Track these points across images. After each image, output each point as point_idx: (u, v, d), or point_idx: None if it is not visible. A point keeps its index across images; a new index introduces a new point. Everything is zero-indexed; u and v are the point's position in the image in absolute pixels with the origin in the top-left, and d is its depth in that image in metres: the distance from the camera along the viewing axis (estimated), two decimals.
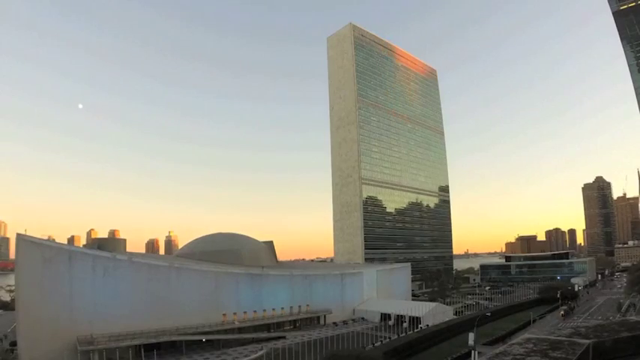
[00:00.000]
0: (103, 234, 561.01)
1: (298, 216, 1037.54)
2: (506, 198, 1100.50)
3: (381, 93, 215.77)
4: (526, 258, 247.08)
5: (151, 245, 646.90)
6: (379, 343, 73.61)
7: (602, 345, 5.73)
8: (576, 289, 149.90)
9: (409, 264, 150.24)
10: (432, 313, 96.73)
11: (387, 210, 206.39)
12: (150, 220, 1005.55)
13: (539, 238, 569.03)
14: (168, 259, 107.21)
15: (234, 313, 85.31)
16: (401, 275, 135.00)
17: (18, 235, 66.64)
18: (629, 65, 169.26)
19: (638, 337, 6.02)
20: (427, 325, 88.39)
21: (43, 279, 65.03)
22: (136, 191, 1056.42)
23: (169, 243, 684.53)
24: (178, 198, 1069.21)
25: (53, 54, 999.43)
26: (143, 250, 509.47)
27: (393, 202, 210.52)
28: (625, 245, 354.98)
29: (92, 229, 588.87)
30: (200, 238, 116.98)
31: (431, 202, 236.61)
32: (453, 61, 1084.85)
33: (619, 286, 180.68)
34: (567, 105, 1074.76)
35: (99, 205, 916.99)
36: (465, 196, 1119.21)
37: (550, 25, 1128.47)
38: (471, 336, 68.01)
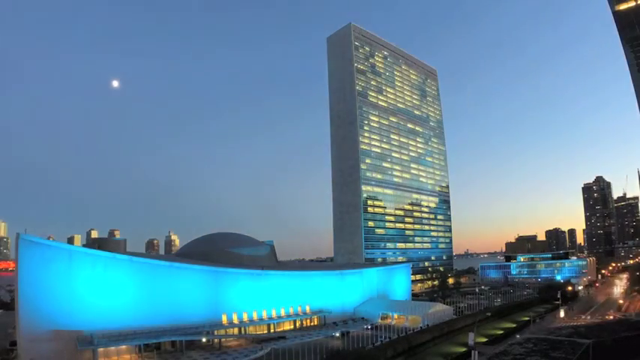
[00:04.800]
0: (102, 234, 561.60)
1: (298, 216, 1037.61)
2: (507, 198, 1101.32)
3: (381, 93, 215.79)
4: (526, 258, 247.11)
5: (151, 245, 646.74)
6: (379, 343, 73.49)
7: (602, 345, 5.75)
8: (576, 289, 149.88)
9: (409, 264, 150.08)
10: (432, 313, 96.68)
11: (387, 210, 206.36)
12: (150, 220, 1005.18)
13: (539, 238, 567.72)
14: (168, 258, 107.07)
15: (235, 313, 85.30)
16: (401, 275, 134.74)
17: (18, 235, 66.58)
18: (629, 65, 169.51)
19: (638, 337, 6.03)
20: (427, 325, 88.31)
21: (43, 279, 65.00)
22: (136, 191, 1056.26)
23: (169, 243, 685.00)
24: (179, 197, 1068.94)
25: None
26: (143, 250, 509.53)
27: (393, 202, 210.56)
28: (625, 245, 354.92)
29: (92, 229, 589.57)
30: (200, 238, 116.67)
31: (431, 202, 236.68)
32: (457, 62, 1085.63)
33: (619, 286, 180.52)
34: (568, 105, 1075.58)
35: (98, 204, 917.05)
36: (465, 196, 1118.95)
37: (551, 29, 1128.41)
38: (471, 336, 68.25)
